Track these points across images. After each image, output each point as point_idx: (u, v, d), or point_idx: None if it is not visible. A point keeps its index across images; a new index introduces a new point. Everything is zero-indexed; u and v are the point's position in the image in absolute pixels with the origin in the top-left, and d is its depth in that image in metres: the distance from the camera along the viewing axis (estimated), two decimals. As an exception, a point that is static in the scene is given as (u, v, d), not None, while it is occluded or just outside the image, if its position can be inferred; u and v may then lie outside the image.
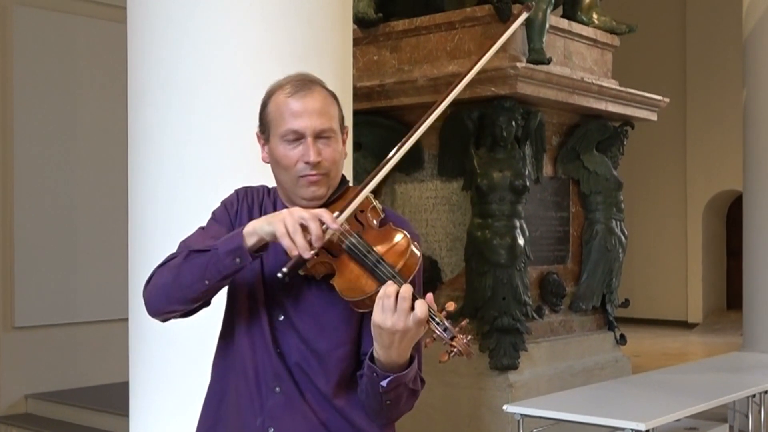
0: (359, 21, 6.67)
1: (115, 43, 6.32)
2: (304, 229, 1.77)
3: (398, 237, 1.86)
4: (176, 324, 2.07)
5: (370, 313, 1.78)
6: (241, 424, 1.92)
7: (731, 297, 14.06)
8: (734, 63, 10.77)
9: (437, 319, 1.74)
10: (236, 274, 1.87)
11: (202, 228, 2.01)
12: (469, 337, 1.75)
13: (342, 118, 2.00)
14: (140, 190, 3.45)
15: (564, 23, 6.95)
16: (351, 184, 2.09)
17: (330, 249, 1.84)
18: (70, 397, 7.43)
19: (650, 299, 13.83)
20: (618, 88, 7.09)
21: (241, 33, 3.27)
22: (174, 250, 1.96)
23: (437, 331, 1.74)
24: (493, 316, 6.17)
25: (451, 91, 2.03)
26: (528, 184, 6.28)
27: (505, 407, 4.74)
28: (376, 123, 6.67)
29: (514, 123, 6.23)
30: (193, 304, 1.90)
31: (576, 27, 7.05)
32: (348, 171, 3.62)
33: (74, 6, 8.06)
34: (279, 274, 1.80)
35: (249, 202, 2.02)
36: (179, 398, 3.14)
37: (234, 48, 3.25)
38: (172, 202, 3.30)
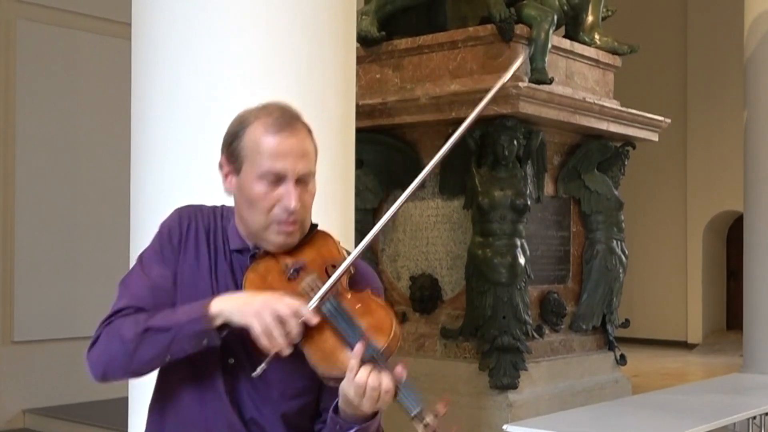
0: (362, 39, 6.70)
1: (118, 58, 6.35)
2: (282, 323, 1.67)
3: (381, 313, 1.75)
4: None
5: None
6: None
7: (731, 317, 14.04)
8: (735, 84, 10.80)
9: (407, 402, 1.67)
10: None
11: (142, 265, 1.85)
12: (439, 415, 1.64)
13: (316, 152, 1.86)
14: (142, 205, 3.45)
15: (566, 43, 6.98)
16: (325, 230, 1.93)
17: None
18: (68, 413, 7.41)
19: (650, 319, 13.80)
20: (619, 108, 7.10)
21: (246, 50, 3.28)
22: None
23: (405, 404, 1.67)
24: (493, 335, 6.16)
25: (450, 140, 1.94)
26: (529, 203, 6.28)
27: (504, 427, 4.72)
28: (378, 141, 6.69)
29: (515, 142, 6.24)
30: (148, 374, 1.80)
31: (578, 47, 7.07)
32: (349, 188, 3.62)
33: (78, 21, 8.10)
34: (254, 375, 1.70)
35: (195, 230, 1.87)
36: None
37: (238, 65, 3.26)
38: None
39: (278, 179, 1.76)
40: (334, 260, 1.81)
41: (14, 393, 7.57)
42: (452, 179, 6.51)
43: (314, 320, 1.69)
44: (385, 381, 1.65)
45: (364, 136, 6.09)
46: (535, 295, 6.60)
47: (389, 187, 6.76)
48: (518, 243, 6.22)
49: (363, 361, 1.66)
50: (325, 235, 1.87)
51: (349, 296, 1.77)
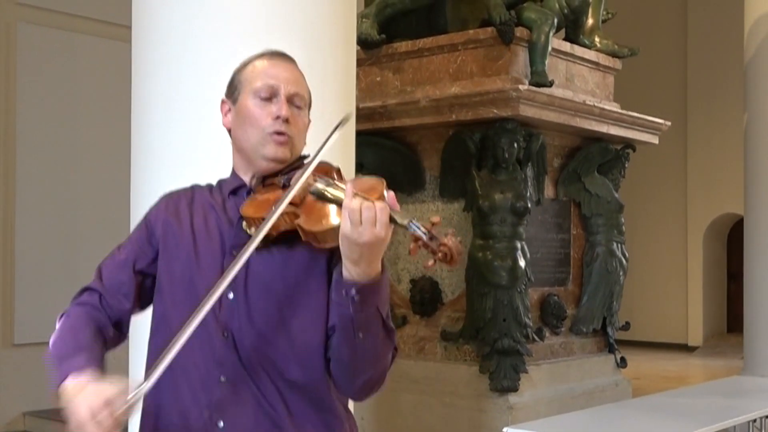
0: (362, 42, 6.70)
1: (118, 61, 6.35)
2: (97, 413, 1.64)
3: (372, 180, 1.78)
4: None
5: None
6: (186, 425, 1.81)
7: (732, 320, 14.04)
8: (735, 87, 10.81)
9: (412, 224, 1.67)
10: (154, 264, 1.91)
11: (119, 247, 1.98)
12: (457, 238, 1.66)
13: (310, 104, 1.98)
14: (143, 207, 3.42)
15: (566, 46, 6.98)
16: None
17: (292, 202, 1.77)
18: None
19: (651, 322, 13.80)
20: (619, 111, 7.11)
21: (245, 52, 3.26)
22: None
23: (417, 232, 1.66)
24: (493, 337, 6.16)
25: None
26: (529, 205, 6.29)
27: (505, 429, 4.72)
28: (378, 144, 6.69)
29: (515, 145, 6.25)
30: None
31: (578, 50, 7.08)
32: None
33: (78, 24, 8.10)
34: None
35: (174, 203, 1.97)
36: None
37: (238, 68, 3.26)
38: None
39: (271, 94, 1.90)
40: (326, 170, 1.86)
41: (14, 396, 7.56)
42: (452, 182, 6.51)
43: (128, 414, 1.66)
44: (377, 203, 1.67)
45: (364, 139, 6.10)
46: (535, 297, 6.60)
47: (389, 190, 6.75)
48: (518, 246, 6.22)
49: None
50: (325, 162, 1.91)
51: (338, 180, 1.84)
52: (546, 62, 6.41)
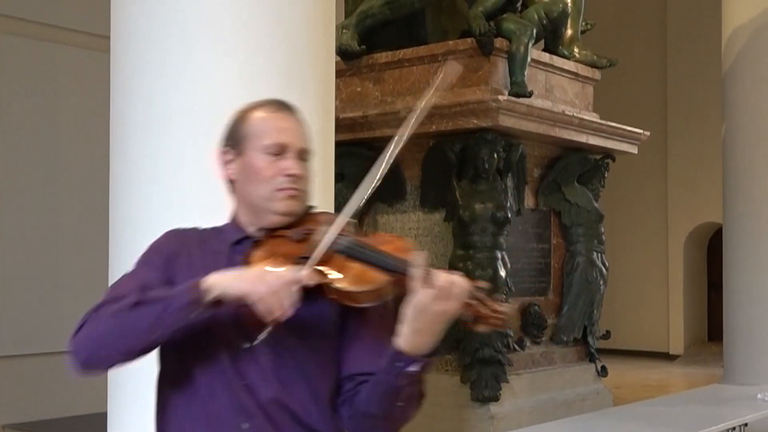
0: (343, 53, 6.72)
1: (97, 71, 6.32)
2: (278, 289, 1.70)
3: (398, 241, 1.81)
4: (155, 354, 1.94)
5: (350, 328, 1.77)
6: None
7: (712, 329, 14.09)
8: (714, 97, 10.89)
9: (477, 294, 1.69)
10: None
11: (131, 270, 1.89)
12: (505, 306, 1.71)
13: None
14: (122, 219, 3.44)
15: (545, 57, 7.02)
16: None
17: (327, 261, 1.77)
18: (48, 428, 7.34)
19: (632, 331, 13.85)
20: (599, 121, 7.15)
21: (226, 63, 3.28)
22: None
23: (478, 307, 1.69)
24: (474, 347, 6.17)
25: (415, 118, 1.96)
26: (509, 215, 6.31)
27: (486, 439, 4.73)
28: (359, 154, 6.69)
29: (495, 155, 6.27)
30: (136, 356, 1.78)
31: (557, 61, 7.12)
32: (330, 202, 3.63)
33: (57, 35, 8.07)
34: (248, 345, 1.75)
35: (185, 243, 1.93)
36: (158, 429, 3.12)
37: (218, 78, 3.27)
38: (154, 231, 3.28)
39: (281, 151, 1.87)
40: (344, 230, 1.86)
41: (-7, 409, 7.51)
42: (433, 192, 6.52)
43: (312, 280, 1.73)
44: (461, 279, 1.68)
45: (344, 150, 6.11)
46: (516, 307, 6.61)
47: (370, 201, 6.76)
48: (499, 255, 6.24)
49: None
50: (323, 211, 1.94)
51: (362, 236, 1.83)
52: (525, 73, 6.45)
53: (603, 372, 7.30)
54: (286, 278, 1.72)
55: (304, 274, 1.73)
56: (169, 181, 3.29)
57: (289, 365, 1.82)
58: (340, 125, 5.69)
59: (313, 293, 1.78)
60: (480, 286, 1.70)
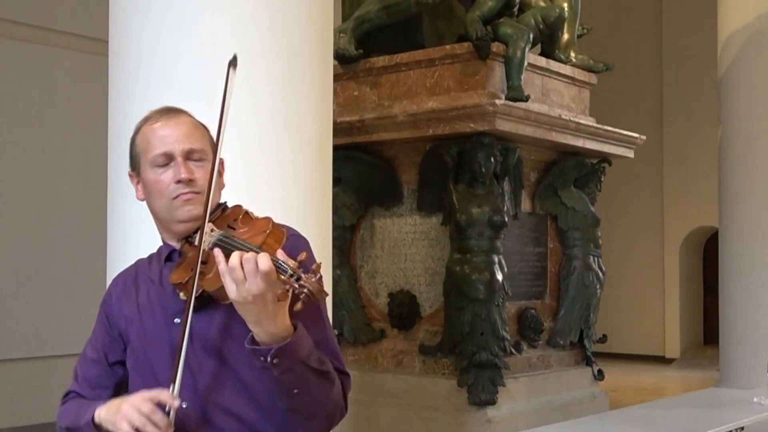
0: (340, 57, 6.72)
1: (94, 75, 6.33)
2: (148, 416, 1.70)
3: (260, 221, 1.79)
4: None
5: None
6: None
7: (708, 332, 14.11)
8: (710, 101, 10.92)
9: (282, 265, 1.62)
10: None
11: (90, 337, 2.00)
12: (320, 276, 1.61)
13: (215, 147, 1.88)
14: (119, 224, 3.44)
15: (542, 61, 7.03)
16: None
17: (203, 261, 1.75)
18: (43, 432, 7.35)
19: (628, 334, 13.85)
20: (595, 125, 7.16)
21: (222, 69, 3.28)
22: None
23: (283, 277, 1.61)
24: (471, 351, 6.18)
25: None
26: (506, 219, 6.32)
27: (483, 443, 4.74)
28: (356, 158, 6.71)
29: (492, 159, 6.28)
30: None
31: (554, 65, 7.13)
32: (327, 205, 3.63)
33: (54, 38, 8.08)
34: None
35: (121, 285, 1.99)
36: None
37: (214, 84, 3.24)
38: (151, 238, 3.28)
39: (167, 161, 1.87)
40: (235, 216, 1.86)
41: (-12, 413, 7.49)
42: (430, 196, 6.53)
43: (175, 403, 1.72)
44: (258, 255, 1.64)
45: (341, 154, 6.12)
46: (512, 311, 6.62)
47: (367, 204, 6.78)
48: (496, 259, 6.25)
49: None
50: (235, 206, 1.91)
51: (240, 228, 1.81)
52: (522, 77, 6.46)
53: (599, 375, 7.31)
54: (142, 410, 1.71)
55: (169, 398, 1.72)
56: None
57: (221, 375, 1.83)
58: (338, 129, 5.70)
59: (210, 301, 1.78)
60: (283, 261, 1.63)
